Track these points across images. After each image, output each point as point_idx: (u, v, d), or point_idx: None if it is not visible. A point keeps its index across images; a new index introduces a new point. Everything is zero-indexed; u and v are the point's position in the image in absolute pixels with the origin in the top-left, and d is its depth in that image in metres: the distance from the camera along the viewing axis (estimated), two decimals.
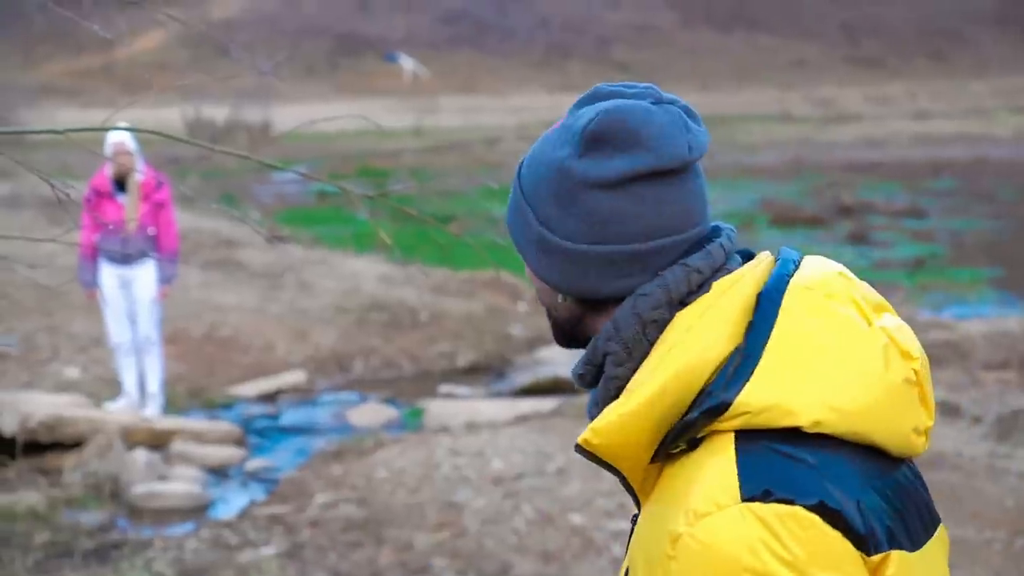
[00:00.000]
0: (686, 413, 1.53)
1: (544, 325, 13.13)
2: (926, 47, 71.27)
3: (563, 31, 70.59)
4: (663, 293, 1.60)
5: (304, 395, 11.09)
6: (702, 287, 1.60)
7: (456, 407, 10.25)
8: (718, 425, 1.50)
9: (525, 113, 46.70)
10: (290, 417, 10.47)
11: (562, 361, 11.47)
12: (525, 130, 40.12)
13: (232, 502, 8.34)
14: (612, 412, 1.55)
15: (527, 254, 1.70)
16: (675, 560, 1.47)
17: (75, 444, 8.76)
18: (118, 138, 9.00)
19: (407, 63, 62.97)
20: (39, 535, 7.36)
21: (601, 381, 1.64)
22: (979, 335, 11.48)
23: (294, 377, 11.36)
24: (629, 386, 1.57)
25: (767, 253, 1.68)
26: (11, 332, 11.78)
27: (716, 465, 1.48)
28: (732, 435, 1.49)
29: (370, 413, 10.39)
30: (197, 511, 8.13)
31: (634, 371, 1.60)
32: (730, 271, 1.62)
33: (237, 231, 17.38)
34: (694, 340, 1.55)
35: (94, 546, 7.28)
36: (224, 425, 9.77)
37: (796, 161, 34.20)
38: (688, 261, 1.60)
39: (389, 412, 10.44)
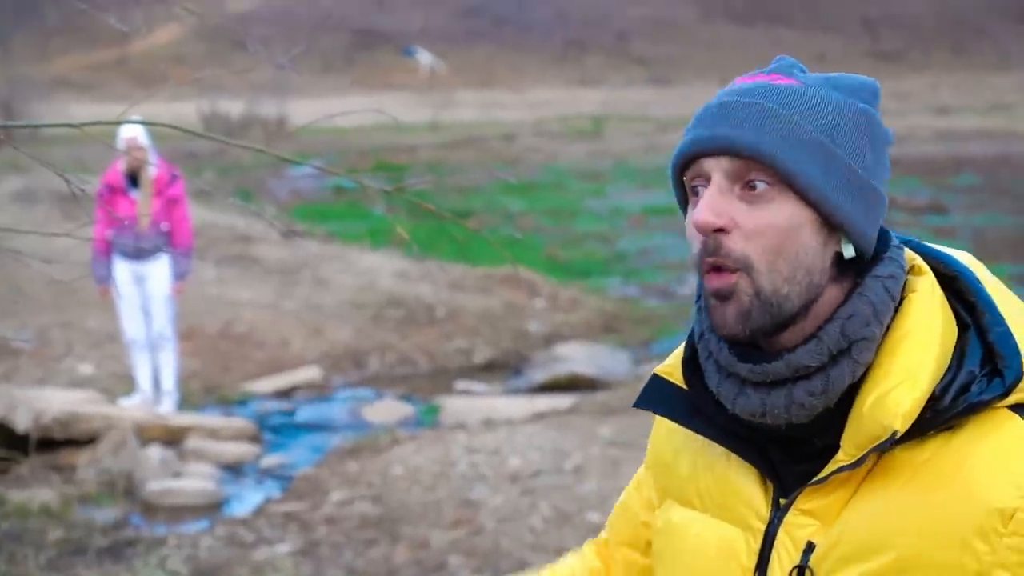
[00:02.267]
0: (942, 394, 1.51)
1: (560, 321, 13.14)
2: (947, 41, 71.06)
3: (581, 25, 70.52)
4: (901, 275, 1.59)
5: (319, 392, 11.04)
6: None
7: (473, 404, 10.20)
8: (998, 402, 1.50)
9: (543, 108, 46.65)
10: (305, 414, 10.43)
11: (580, 358, 11.41)
12: (543, 125, 40.10)
13: (247, 499, 8.30)
14: (906, 397, 1.50)
15: (827, 196, 1.54)
16: (1014, 535, 1.46)
17: (89, 440, 8.73)
18: (130, 133, 8.95)
19: (424, 57, 63.00)
20: (53, 532, 7.32)
21: (838, 369, 1.55)
22: None
23: (309, 373, 11.31)
24: (910, 369, 1.51)
25: None
26: (25, 328, 11.76)
27: (1019, 438, 1.49)
28: (1008, 412, 1.51)
29: (386, 410, 10.34)
30: (212, 508, 8.09)
31: (873, 356, 1.55)
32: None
33: (253, 226, 17.36)
34: (941, 318, 1.55)
35: (108, 543, 7.23)
36: (239, 422, 9.73)
37: None
38: (895, 243, 1.62)
39: (405, 409, 10.39)
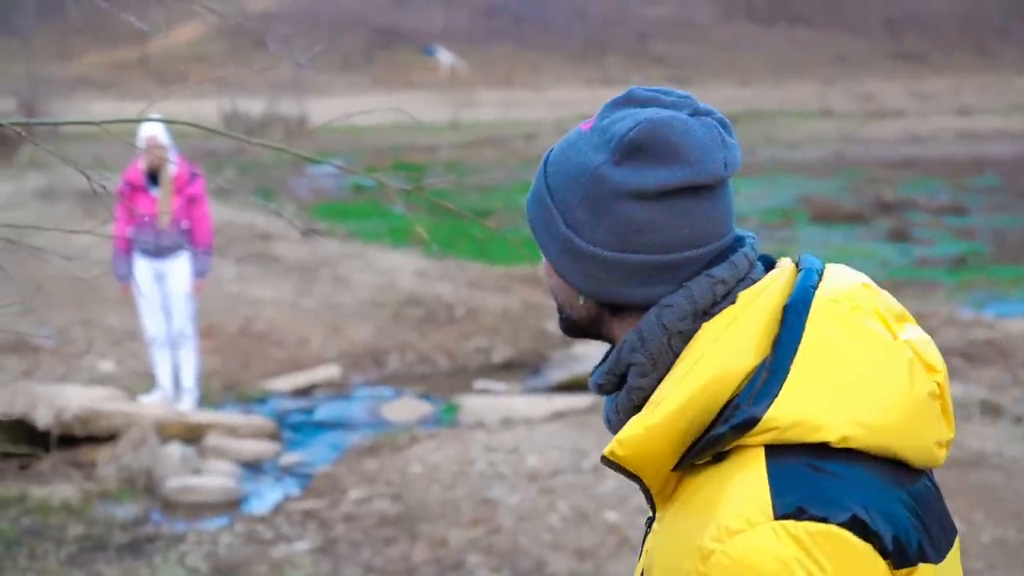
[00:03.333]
0: (711, 426, 1.52)
1: None
2: (970, 42, 70.77)
3: (601, 25, 70.45)
4: (689, 304, 1.60)
5: (339, 390, 11.06)
6: (727, 297, 1.60)
7: (491, 403, 10.20)
8: (746, 440, 1.50)
9: (563, 107, 46.58)
10: (324, 412, 10.44)
11: (598, 358, 11.40)
12: (563, 124, 40.04)
13: (266, 497, 8.32)
14: (638, 424, 1.54)
15: (549, 250, 1.68)
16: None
17: (109, 437, 8.76)
18: (150, 131, 8.98)
19: (445, 57, 63.00)
20: (73, 528, 7.35)
21: (623, 391, 1.64)
22: (1021, 334, 11.34)
23: (329, 372, 11.33)
24: (654, 398, 1.56)
25: (788, 260, 1.69)
26: (46, 325, 11.80)
27: (747, 480, 1.48)
28: (761, 449, 1.49)
29: (405, 408, 10.35)
30: (231, 505, 8.10)
31: (658, 382, 1.60)
32: (753, 281, 1.63)
33: (273, 225, 17.39)
34: (721, 352, 1.54)
35: (128, 540, 7.26)
36: (258, 419, 9.75)
37: (837, 157, 33.98)
38: (713, 272, 1.60)
39: (424, 407, 10.40)
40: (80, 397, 9.11)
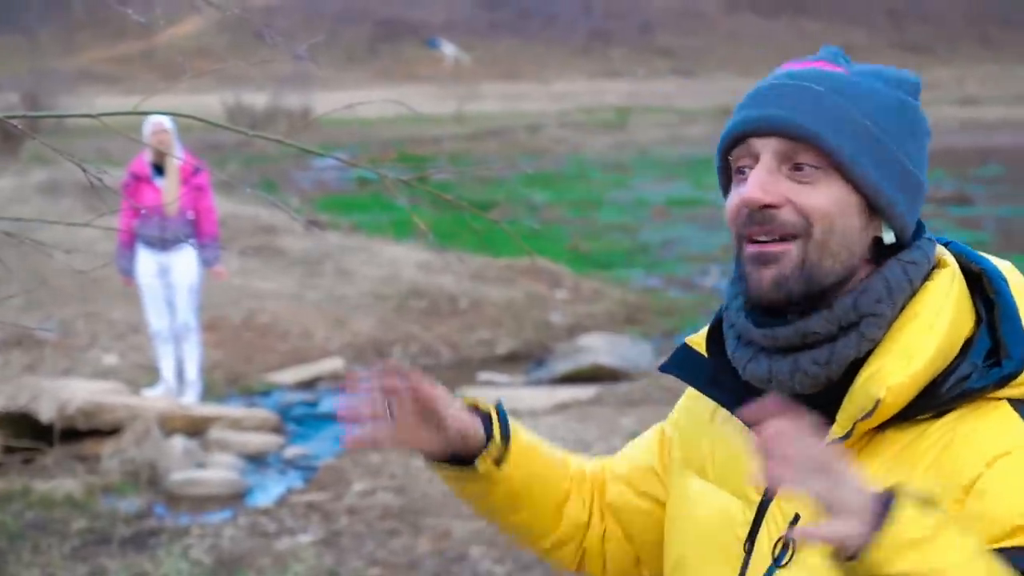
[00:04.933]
0: (940, 380, 1.54)
1: (584, 312, 13.12)
2: (973, 32, 70.70)
3: (606, 17, 70.39)
4: (926, 263, 1.63)
5: (342, 382, 11.04)
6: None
7: (495, 395, 10.18)
8: (995, 392, 1.54)
9: (567, 99, 46.60)
10: (328, 404, 10.44)
11: (602, 349, 11.39)
12: (566, 116, 40.06)
13: (270, 489, 8.32)
14: (901, 373, 1.54)
15: (877, 182, 1.60)
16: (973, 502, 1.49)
17: (113, 431, 8.75)
18: (156, 118, 8.99)
19: (448, 49, 62.97)
20: (76, 522, 7.36)
21: (845, 341, 1.59)
22: None
23: (332, 364, 11.33)
24: (905, 348, 1.55)
25: None
26: (50, 318, 11.81)
27: (1002, 425, 1.52)
28: (1004, 402, 1.54)
29: None
30: (234, 498, 8.10)
31: (882, 334, 1.59)
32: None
33: (276, 218, 17.38)
34: (954, 309, 1.58)
35: (131, 533, 7.27)
36: (262, 412, 9.75)
37: None
38: (930, 235, 1.67)
39: None
40: (84, 390, 9.11)
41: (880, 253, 1.62)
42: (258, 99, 33.33)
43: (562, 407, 9.35)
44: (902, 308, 1.59)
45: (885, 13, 73.34)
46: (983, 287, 1.63)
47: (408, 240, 16.56)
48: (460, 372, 11.34)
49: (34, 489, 7.78)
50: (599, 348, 11.47)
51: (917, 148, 1.63)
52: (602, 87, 54.67)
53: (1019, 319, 1.57)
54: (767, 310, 1.63)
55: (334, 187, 25.19)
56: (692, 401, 1.89)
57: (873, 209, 1.60)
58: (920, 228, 1.66)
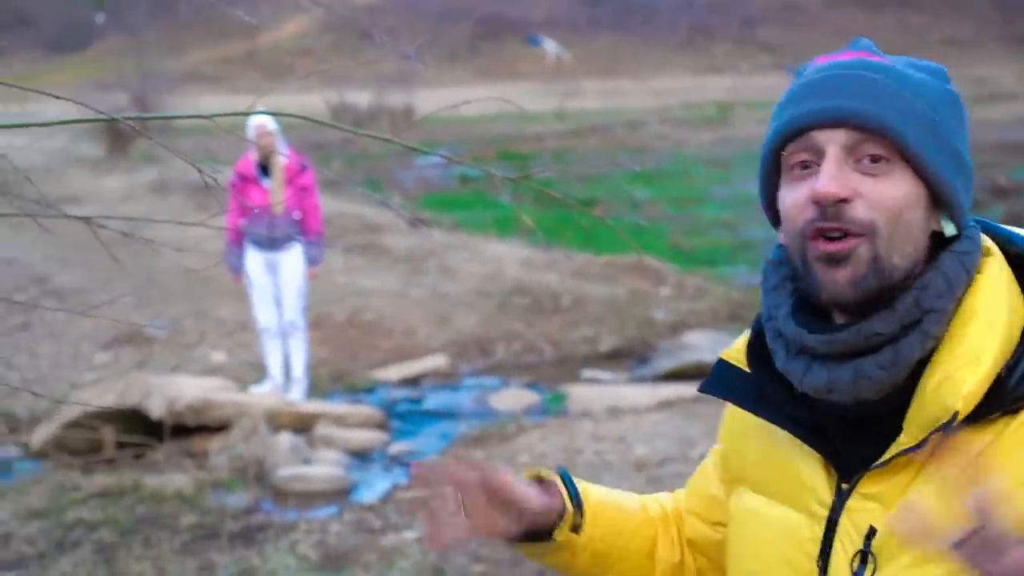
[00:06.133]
0: (1006, 376, 1.49)
1: (687, 309, 13.05)
2: None
3: (707, 12, 69.94)
4: (977, 252, 1.58)
5: (446, 379, 11.10)
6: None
7: (598, 392, 10.17)
8: None
9: (668, 96, 46.36)
10: (432, 401, 10.49)
11: (706, 347, 11.33)
12: (668, 112, 39.86)
13: (375, 486, 8.37)
14: (970, 378, 1.48)
15: (940, 170, 1.56)
16: None
17: (221, 427, 8.87)
18: (260, 120, 9.09)
19: (549, 46, 62.93)
20: (186, 517, 7.46)
21: (908, 341, 1.54)
22: None
23: (436, 361, 11.37)
24: (972, 349, 1.50)
25: None
26: (159, 316, 11.99)
27: None
28: None
29: (512, 398, 10.36)
30: (340, 494, 8.16)
31: (944, 331, 1.54)
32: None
33: (381, 216, 17.50)
34: (1009, 299, 1.54)
35: (239, 528, 7.35)
36: (367, 409, 9.82)
37: None
38: (972, 222, 1.62)
39: (531, 397, 10.41)
40: (192, 387, 9.24)
41: (937, 246, 1.57)
42: (361, 97, 33.56)
43: (666, 405, 9.31)
44: (959, 302, 1.54)
45: (992, 5, 72.10)
46: None
47: (511, 237, 16.58)
48: (563, 369, 11.34)
49: (144, 484, 7.91)
50: (703, 345, 11.40)
51: (965, 138, 1.60)
52: (704, 82, 54.33)
53: None
54: (822, 313, 1.59)
55: (436, 185, 25.28)
56: (735, 414, 1.84)
57: (935, 201, 1.56)
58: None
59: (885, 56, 1.62)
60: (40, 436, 9.04)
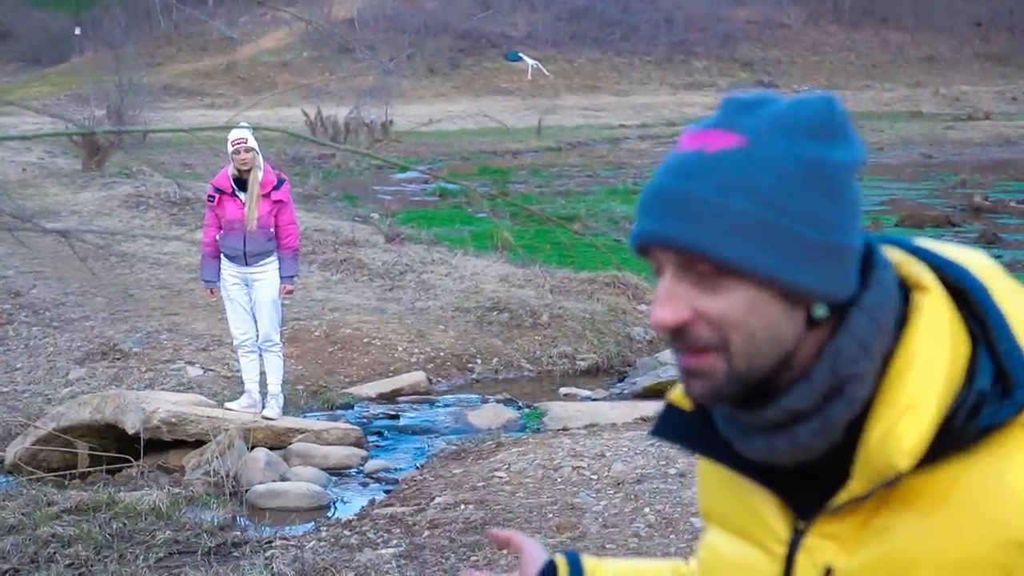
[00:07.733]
0: (952, 416, 1.42)
1: None
2: None
3: (686, 29, 70.18)
4: (889, 299, 1.48)
5: (423, 396, 11.07)
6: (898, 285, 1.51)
7: (577, 409, 10.16)
8: (1012, 421, 1.41)
9: (648, 112, 46.49)
10: (409, 418, 10.46)
11: None
12: (648, 129, 39.95)
13: (352, 502, 8.34)
14: (911, 432, 1.42)
15: (782, 273, 1.45)
16: None
17: (197, 443, 8.83)
18: (239, 134, 9.04)
19: (529, 62, 63.04)
20: (161, 532, 7.41)
21: (834, 408, 1.48)
22: None
23: (413, 378, 11.35)
24: (908, 402, 1.43)
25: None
26: (135, 331, 11.93)
27: None
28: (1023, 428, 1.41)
29: (490, 414, 10.33)
30: (317, 511, 8.13)
31: (872, 390, 1.47)
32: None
33: (358, 231, 17.46)
34: (948, 339, 1.45)
35: (215, 544, 7.30)
36: (344, 425, 9.78)
37: (925, 160, 33.57)
38: (884, 261, 1.51)
39: (509, 413, 10.38)
40: (168, 402, 9.20)
41: (843, 306, 1.48)
42: (340, 112, 33.55)
43: (644, 421, 9.30)
44: (890, 352, 1.47)
45: (970, 24, 72.49)
46: (968, 300, 1.49)
47: (489, 253, 16.57)
48: (541, 386, 11.32)
49: (119, 500, 7.85)
50: None
51: (834, 206, 1.46)
52: (683, 99, 54.51)
53: (1012, 336, 1.44)
54: None
55: (414, 200, 25.28)
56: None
57: (794, 295, 1.46)
58: (872, 256, 1.51)
59: (742, 127, 1.49)
60: (14, 451, 8.98)
